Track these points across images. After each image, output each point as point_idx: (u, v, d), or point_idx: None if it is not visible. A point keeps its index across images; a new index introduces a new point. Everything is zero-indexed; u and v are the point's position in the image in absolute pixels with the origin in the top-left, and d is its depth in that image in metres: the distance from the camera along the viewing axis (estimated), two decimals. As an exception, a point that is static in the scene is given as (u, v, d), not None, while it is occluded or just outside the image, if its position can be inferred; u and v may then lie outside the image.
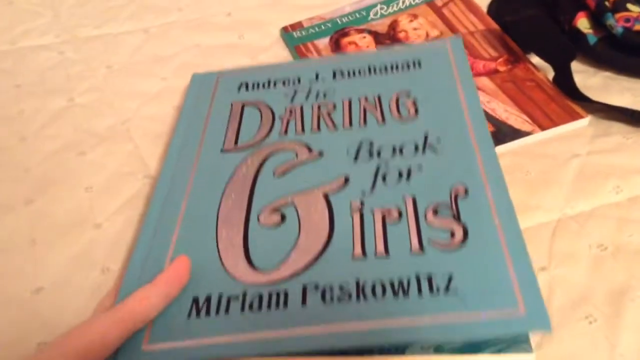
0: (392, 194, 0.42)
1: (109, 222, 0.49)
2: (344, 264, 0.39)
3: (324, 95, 0.52)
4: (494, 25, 0.62)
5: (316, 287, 0.37)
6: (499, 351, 0.34)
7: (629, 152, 0.49)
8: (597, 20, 0.57)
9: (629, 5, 0.55)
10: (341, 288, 0.37)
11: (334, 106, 0.51)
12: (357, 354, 0.35)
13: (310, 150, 0.47)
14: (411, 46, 0.58)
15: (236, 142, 0.49)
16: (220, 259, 0.40)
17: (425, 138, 0.46)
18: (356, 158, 0.46)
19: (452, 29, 0.62)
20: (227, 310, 0.37)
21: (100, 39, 0.68)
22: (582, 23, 0.58)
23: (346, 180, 0.44)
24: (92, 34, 0.69)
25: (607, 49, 0.56)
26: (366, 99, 0.51)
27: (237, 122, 0.51)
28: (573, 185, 0.47)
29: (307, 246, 0.40)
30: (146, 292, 0.36)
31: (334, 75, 0.54)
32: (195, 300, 0.38)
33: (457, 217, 0.40)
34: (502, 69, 0.57)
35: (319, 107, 0.51)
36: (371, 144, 0.46)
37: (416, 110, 0.49)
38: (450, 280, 0.36)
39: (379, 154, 0.46)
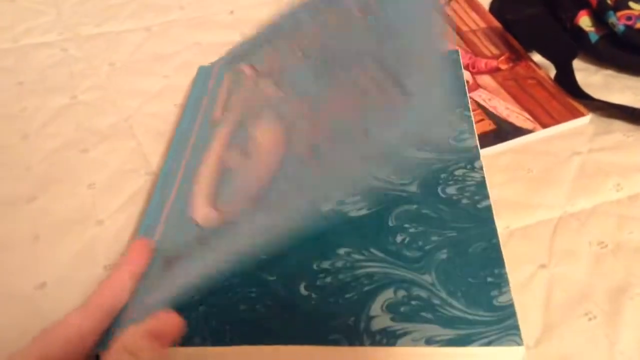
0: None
1: (111, 220, 0.49)
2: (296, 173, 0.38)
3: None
4: (496, 24, 0.62)
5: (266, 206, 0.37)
6: (489, 344, 0.34)
7: (629, 150, 0.49)
8: (598, 18, 0.57)
9: (631, 4, 0.55)
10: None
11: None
12: (349, 344, 0.35)
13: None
14: None
15: (224, 111, 0.49)
16: (192, 215, 0.40)
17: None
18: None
19: (454, 27, 0.62)
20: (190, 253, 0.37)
21: (102, 37, 0.68)
22: (584, 21, 0.58)
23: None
24: (94, 32, 0.69)
25: (608, 47, 0.56)
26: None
27: (225, 92, 0.51)
28: (574, 182, 0.47)
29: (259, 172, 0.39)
30: (111, 279, 0.36)
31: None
32: (167, 259, 0.38)
33: None
34: (503, 67, 0.57)
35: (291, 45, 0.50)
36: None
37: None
38: None
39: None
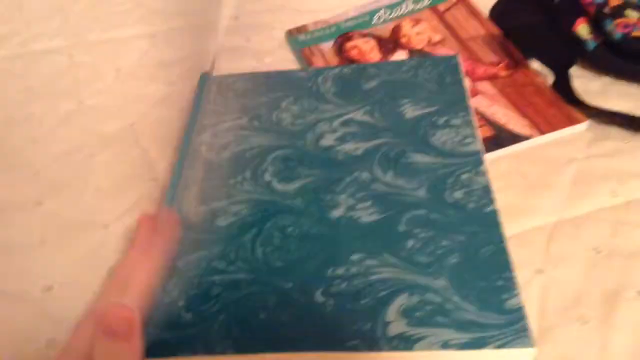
0: None
1: (116, 224, 0.50)
2: None
3: None
4: (496, 31, 0.63)
5: None
6: (502, 346, 0.35)
7: (626, 157, 0.50)
8: (596, 26, 0.58)
9: (628, 12, 0.56)
10: None
11: None
12: (368, 350, 0.36)
13: None
14: None
15: None
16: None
17: None
18: None
19: (454, 34, 0.63)
20: None
21: (108, 43, 0.69)
22: (582, 29, 0.58)
23: None
24: (100, 38, 0.70)
25: (606, 54, 0.57)
26: None
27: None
28: (570, 188, 0.48)
29: None
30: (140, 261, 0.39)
31: None
32: None
33: None
34: (502, 73, 0.58)
35: None
36: None
37: None
38: None
39: None
